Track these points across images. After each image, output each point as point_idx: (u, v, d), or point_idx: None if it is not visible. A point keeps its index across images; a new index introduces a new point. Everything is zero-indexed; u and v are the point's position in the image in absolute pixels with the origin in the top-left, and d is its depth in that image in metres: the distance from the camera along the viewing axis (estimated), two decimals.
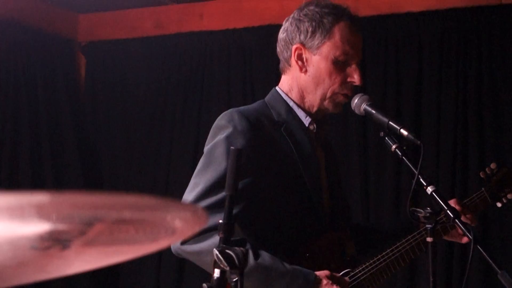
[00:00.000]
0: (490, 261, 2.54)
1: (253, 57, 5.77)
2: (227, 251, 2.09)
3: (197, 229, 1.00)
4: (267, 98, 3.06)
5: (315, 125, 3.00)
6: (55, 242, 0.98)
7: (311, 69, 2.94)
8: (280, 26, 5.32)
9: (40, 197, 0.87)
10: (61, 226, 0.93)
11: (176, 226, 0.98)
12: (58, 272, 1.11)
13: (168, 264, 5.72)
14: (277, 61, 5.45)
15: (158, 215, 0.94)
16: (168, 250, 5.44)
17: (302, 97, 3.00)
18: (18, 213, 0.90)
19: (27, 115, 5.76)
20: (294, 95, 3.01)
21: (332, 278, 2.81)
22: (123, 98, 6.17)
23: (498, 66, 5.13)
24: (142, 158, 6.03)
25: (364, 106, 2.88)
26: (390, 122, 2.77)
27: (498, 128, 5.09)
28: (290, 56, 2.98)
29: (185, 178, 5.58)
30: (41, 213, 0.90)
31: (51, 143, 5.89)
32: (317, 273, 2.79)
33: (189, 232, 1.02)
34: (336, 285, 2.78)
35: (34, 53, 5.88)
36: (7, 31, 5.66)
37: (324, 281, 2.78)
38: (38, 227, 0.94)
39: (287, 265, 2.76)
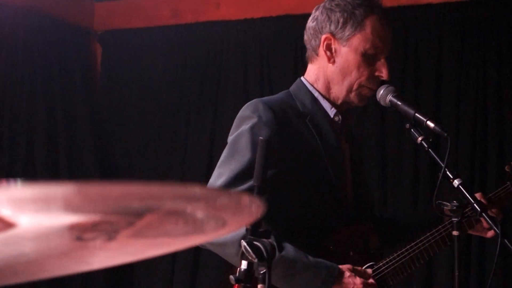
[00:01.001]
0: None
1: (270, 47, 5.73)
2: (255, 242, 2.06)
3: (246, 220, 0.97)
4: (292, 88, 3.03)
5: (340, 117, 2.97)
6: (101, 233, 0.95)
7: (339, 60, 2.92)
8: (297, 16, 5.37)
9: (88, 188, 0.84)
10: (110, 217, 0.90)
11: (226, 218, 0.95)
12: (99, 264, 1.09)
13: (183, 259, 5.69)
14: (295, 51, 5.52)
15: (208, 205, 0.91)
16: (181, 251, 5.49)
17: (328, 88, 2.97)
18: (64, 203, 0.87)
19: (42, 104, 5.74)
20: (320, 85, 2.98)
21: (354, 271, 2.79)
22: (139, 87, 6.14)
23: None
24: (158, 148, 6.00)
25: (389, 97, 2.86)
26: (417, 114, 2.75)
27: None
28: (319, 46, 2.94)
29: (201, 168, 5.66)
30: (90, 203, 0.87)
31: (66, 132, 5.87)
32: (340, 266, 2.77)
33: (238, 224, 0.99)
34: (359, 278, 2.76)
35: (50, 42, 5.86)
36: (23, 20, 5.63)
37: (347, 273, 2.76)
38: (79, 218, 0.91)
39: (310, 258, 2.74)
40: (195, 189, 0.85)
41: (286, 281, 2.74)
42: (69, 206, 0.85)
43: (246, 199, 0.95)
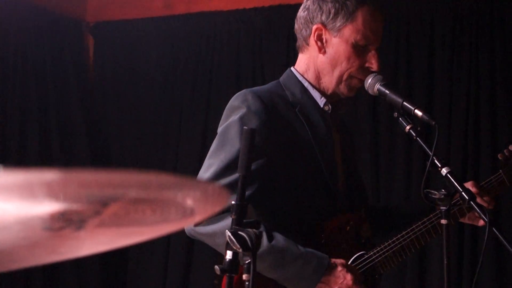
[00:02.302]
0: (506, 244, 2.50)
1: (263, 37, 5.72)
2: (240, 232, 2.06)
3: (216, 209, 0.97)
4: (281, 78, 3.03)
5: (330, 106, 2.97)
6: (69, 222, 0.94)
7: (330, 50, 2.91)
8: (289, 6, 5.35)
9: (52, 175, 0.83)
10: (75, 206, 0.89)
11: (194, 206, 0.95)
12: (71, 254, 1.08)
13: (176, 250, 5.69)
14: (287, 42, 5.51)
15: (175, 194, 0.90)
16: (176, 236, 5.48)
17: (318, 78, 2.96)
18: (29, 192, 0.86)
19: (35, 96, 5.74)
20: (310, 75, 2.97)
21: (347, 267, 2.79)
22: (131, 79, 6.13)
23: (511, 49, 5.07)
24: (151, 139, 6.00)
25: (378, 86, 2.84)
26: (405, 103, 2.73)
27: (510, 110, 5.03)
28: (309, 35, 2.94)
29: (194, 159, 5.64)
30: (53, 192, 0.86)
31: (59, 124, 5.87)
32: (333, 260, 2.77)
33: (207, 213, 0.98)
34: (351, 274, 2.76)
35: (42, 33, 5.85)
36: (15, 12, 5.62)
37: (339, 268, 2.76)
38: (51, 207, 0.91)
39: (301, 248, 2.73)
40: (159, 178, 0.84)
41: (276, 271, 2.73)
42: (31, 195, 0.84)
43: (214, 187, 0.94)
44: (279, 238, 2.72)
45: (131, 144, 6.06)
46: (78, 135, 5.98)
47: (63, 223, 0.95)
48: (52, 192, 0.86)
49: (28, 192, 0.86)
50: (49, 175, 0.83)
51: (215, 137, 2.91)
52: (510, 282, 4.87)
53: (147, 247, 5.71)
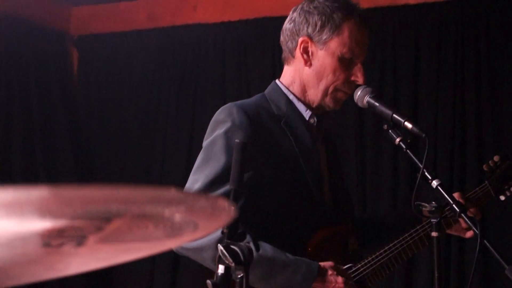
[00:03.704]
0: (497, 256, 2.50)
1: (248, 50, 5.72)
2: (232, 246, 2.04)
3: (220, 224, 0.95)
4: (266, 91, 3.02)
5: (315, 119, 2.96)
6: (69, 238, 0.92)
7: (315, 63, 2.90)
8: (275, 18, 5.34)
9: (41, 192, 0.82)
10: (76, 222, 0.87)
11: (197, 221, 0.93)
12: (70, 270, 1.06)
13: (162, 263, 5.66)
14: (273, 54, 5.50)
15: (178, 209, 0.89)
16: (162, 254, 5.49)
17: (303, 91, 2.95)
18: (17, 211, 0.84)
19: (19, 108, 5.70)
20: (296, 88, 2.96)
21: (337, 269, 2.78)
22: (116, 92, 6.11)
23: (496, 58, 5.10)
24: (136, 152, 5.97)
25: (367, 98, 2.84)
26: (394, 115, 2.73)
27: (496, 120, 5.05)
28: (295, 48, 2.92)
29: (179, 171, 5.62)
30: (43, 209, 0.84)
31: (43, 137, 5.83)
32: (322, 264, 2.76)
33: (210, 228, 0.97)
34: (341, 277, 2.75)
35: (26, 46, 5.82)
36: None
37: (330, 272, 2.76)
38: (52, 223, 0.89)
39: (289, 255, 2.73)
40: (164, 192, 0.82)
41: (266, 280, 2.72)
42: (34, 211, 0.82)
43: (219, 202, 0.92)
44: (266, 247, 2.71)
45: (116, 157, 6.03)
46: (62, 148, 5.95)
47: (63, 239, 0.93)
48: (42, 210, 0.84)
49: (16, 210, 0.83)
50: (38, 193, 0.81)
51: (200, 148, 2.89)
52: None
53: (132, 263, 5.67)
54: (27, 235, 0.92)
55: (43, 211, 0.84)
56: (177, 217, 0.91)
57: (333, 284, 2.74)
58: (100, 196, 0.82)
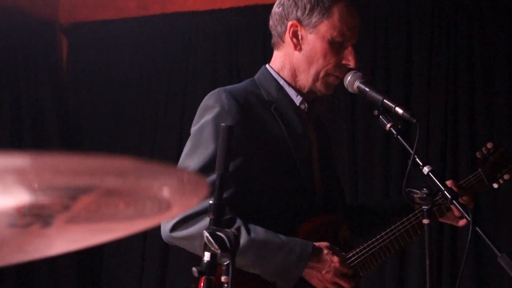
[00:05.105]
0: (490, 243, 2.46)
1: (239, 38, 5.68)
2: (218, 233, 2.00)
3: (193, 201, 0.90)
4: (256, 76, 2.97)
5: (306, 105, 2.91)
6: (35, 218, 0.87)
7: (305, 47, 2.85)
8: (266, 6, 5.28)
9: (23, 160, 0.76)
10: (42, 199, 0.82)
11: (170, 198, 0.88)
12: (39, 253, 1.01)
13: (152, 253, 5.63)
14: (263, 42, 5.45)
15: (151, 183, 0.83)
16: (152, 239, 5.41)
17: (294, 76, 2.90)
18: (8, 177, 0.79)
19: (8, 98, 5.65)
20: (286, 73, 2.91)
21: (332, 249, 2.75)
22: (106, 80, 6.06)
23: (489, 44, 5.06)
24: (126, 140, 5.92)
25: (357, 83, 2.80)
26: (385, 100, 2.69)
27: (489, 108, 5.03)
28: (285, 32, 2.88)
29: (170, 159, 5.56)
30: (21, 180, 0.79)
31: (32, 126, 5.78)
32: (317, 244, 2.72)
33: (184, 206, 0.92)
34: (337, 256, 2.71)
35: (14, 35, 5.76)
36: None
37: (325, 251, 2.73)
38: (17, 199, 0.84)
39: (282, 237, 2.70)
40: (135, 164, 0.77)
41: (260, 264, 2.68)
42: (2, 182, 0.77)
43: (192, 178, 0.87)
44: (258, 230, 2.67)
45: (106, 145, 5.98)
46: (52, 137, 5.90)
47: (30, 219, 0.88)
48: (22, 179, 0.79)
49: None
50: (20, 160, 0.76)
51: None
52: (490, 281, 4.84)
53: (122, 249, 5.64)
54: None
55: (22, 179, 0.79)
56: (151, 193, 0.86)
57: (329, 264, 2.71)
58: (66, 166, 0.77)
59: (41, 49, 5.97)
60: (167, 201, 0.87)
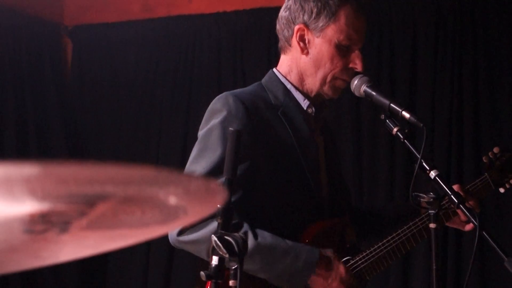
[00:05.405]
0: (497, 248, 2.46)
1: (243, 41, 5.67)
2: (226, 237, 2.00)
3: (210, 210, 0.90)
4: (263, 80, 2.97)
5: (313, 109, 2.91)
6: (51, 225, 0.87)
7: (312, 51, 2.85)
8: (270, 9, 5.29)
9: (32, 169, 0.76)
10: (58, 205, 0.82)
11: (186, 206, 0.88)
12: (54, 259, 1.01)
13: (157, 257, 5.62)
14: (268, 45, 5.46)
15: (168, 191, 0.83)
16: (156, 246, 5.41)
17: (301, 80, 2.90)
18: (7, 188, 0.79)
19: (12, 101, 5.65)
20: (293, 77, 2.91)
21: (338, 258, 2.78)
22: (110, 83, 6.06)
23: (494, 46, 5.06)
24: (131, 143, 5.92)
25: (364, 87, 2.79)
26: (392, 104, 2.68)
27: (494, 112, 5.02)
28: (292, 36, 2.88)
29: (175, 163, 5.56)
30: (34, 189, 0.79)
31: (37, 129, 5.78)
32: (323, 251, 2.74)
33: (200, 214, 0.92)
34: (343, 265, 2.75)
35: (19, 37, 5.76)
36: None
37: (332, 259, 2.74)
38: (31, 206, 0.84)
39: (289, 242, 2.70)
40: (152, 172, 0.77)
41: (266, 269, 2.68)
42: (11, 192, 0.77)
43: (211, 185, 0.87)
44: (265, 235, 2.67)
45: (110, 148, 5.98)
46: (56, 140, 5.90)
47: (45, 225, 0.88)
48: (32, 189, 0.79)
49: (6, 188, 0.78)
50: (29, 169, 0.76)
51: (195, 139, 2.85)
52: (494, 286, 4.84)
53: (127, 252, 5.63)
54: (8, 220, 0.87)
55: (32, 189, 0.79)
56: (167, 201, 0.86)
57: (335, 272, 2.71)
58: (82, 175, 0.77)
59: (45, 51, 5.97)
60: (183, 208, 0.87)
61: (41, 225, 0.88)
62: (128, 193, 0.80)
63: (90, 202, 0.82)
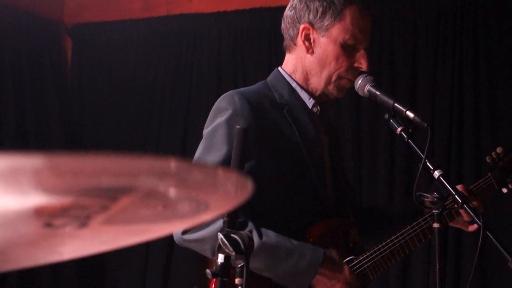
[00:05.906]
0: (501, 248, 2.46)
1: (244, 40, 5.68)
2: (233, 235, 2.00)
3: (232, 204, 0.90)
4: (269, 79, 2.97)
5: (318, 108, 2.91)
6: (72, 219, 0.86)
7: (318, 50, 2.85)
8: (271, 8, 5.30)
9: (40, 161, 0.75)
10: (82, 200, 0.82)
11: (208, 200, 0.87)
12: (72, 253, 1.00)
13: (155, 255, 5.62)
14: (269, 44, 5.46)
15: (190, 184, 0.83)
16: (155, 246, 5.40)
17: (306, 79, 2.90)
18: (14, 181, 0.78)
19: (12, 99, 5.65)
20: (298, 76, 2.91)
21: (341, 258, 2.79)
22: (110, 82, 6.06)
23: (495, 44, 5.06)
24: (130, 142, 5.92)
25: (368, 87, 2.80)
26: (396, 104, 2.69)
27: (495, 112, 5.02)
28: (297, 35, 2.88)
29: None
30: (42, 182, 0.78)
31: (36, 128, 5.78)
32: (327, 252, 2.75)
33: (222, 208, 0.91)
34: (346, 266, 2.76)
35: (19, 35, 5.76)
36: None
37: (336, 260, 2.76)
38: (51, 201, 0.83)
39: (293, 241, 2.70)
40: (170, 164, 0.76)
41: (271, 268, 2.68)
42: (40, 184, 0.76)
43: (232, 178, 0.87)
44: (270, 234, 2.67)
45: (109, 147, 5.97)
46: (56, 138, 5.90)
47: (66, 219, 0.87)
48: (40, 182, 0.78)
49: (14, 181, 0.77)
50: (36, 161, 0.75)
51: (195, 140, 2.84)
52: (495, 285, 4.85)
53: (125, 253, 5.63)
54: (26, 214, 0.86)
55: (42, 183, 0.78)
56: (192, 195, 0.85)
57: (339, 273, 2.72)
58: (108, 168, 0.76)
59: (45, 50, 5.97)
60: (206, 202, 0.87)
61: (61, 219, 0.87)
62: (151, 186, 0.80)
63: (113, 196, 0.81)
